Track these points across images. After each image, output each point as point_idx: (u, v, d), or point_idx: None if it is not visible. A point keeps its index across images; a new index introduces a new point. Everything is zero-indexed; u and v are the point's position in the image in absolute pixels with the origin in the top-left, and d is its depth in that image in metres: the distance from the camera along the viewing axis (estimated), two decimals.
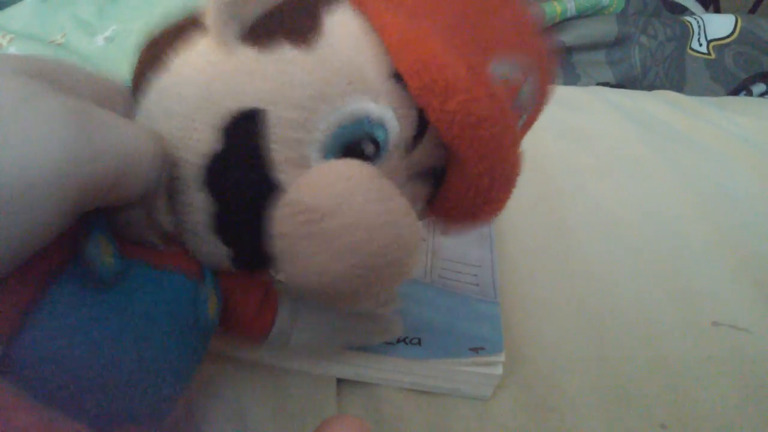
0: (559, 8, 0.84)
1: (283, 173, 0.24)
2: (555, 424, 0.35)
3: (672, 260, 0.47)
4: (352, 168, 0.24)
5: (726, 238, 0.50)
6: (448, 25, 0.26)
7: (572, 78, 0.84)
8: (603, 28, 0.85)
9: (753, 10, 2.00)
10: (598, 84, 0.84)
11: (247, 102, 0.24)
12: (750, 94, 0.87)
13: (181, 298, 0.26)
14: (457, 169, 0.27)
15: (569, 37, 0.85)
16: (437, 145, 0.27)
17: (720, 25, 0.91)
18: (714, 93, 0.85)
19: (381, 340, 0.36)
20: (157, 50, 0.26)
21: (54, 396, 0.22)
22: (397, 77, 0.25)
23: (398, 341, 0.36)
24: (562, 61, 0.85)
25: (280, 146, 0.24)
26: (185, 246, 0.26)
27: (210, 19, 0.24)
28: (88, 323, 0.23)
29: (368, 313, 0.35)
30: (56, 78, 0.22)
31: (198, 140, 0.24)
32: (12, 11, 0.76)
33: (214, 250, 0.26)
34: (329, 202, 0.23)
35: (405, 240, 0.24)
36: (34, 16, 0.74)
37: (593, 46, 0.86)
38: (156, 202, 0.24)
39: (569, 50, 0.85)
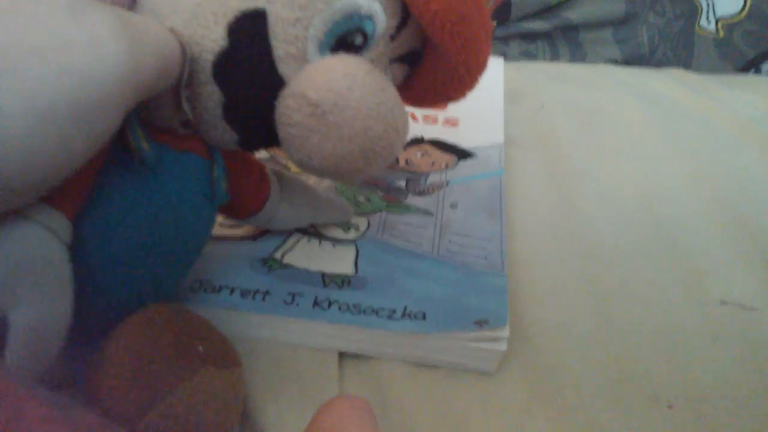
0: None
1: (284, 67, 0.28)
2: (559, 402, 0.35)
3: (680, 239, 0.47)
4: (350, 65, 0.27)
5: (735, 216, 0.50)
6: None
7: (579, 56, 0.84)
8: (610, 6, 0.84)
9: None
10: (606, 62, 0.83)
11: (249, 1, 0.27)
12: (759, 72, 0.86)
13: (201, 178, 0.31)
14: (434, 57, 0.31)
15: (576, 14, 0.84)
16: (417, 30, 0.31)
17: (729, 2, 0.90)
18: (722, 71, 0.84)
19: (339, 219, 0.43)
20: None
21: (109, 266, 0.27)
22: None
23: (403, 316, 0.36)
24: (569, 38, 0.84)
25: (281, 42, 0.27)
26: (197, 131, 0.30)
27: None
28: (135, 202, 0.27)
29: (331, 197, 0.43)
30: None
31: (204, 37, 0.27)
32: None
33: (223, 134, 0.30)
34: (332, 98, 0.26)
35: (397, 125, 0.28)
36: None
37: (600, 24, 0.85)
38: (181, 92, 0.27)
39: (576, 28, 0.84)
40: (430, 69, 0.32)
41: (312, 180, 0.44)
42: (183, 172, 0.29)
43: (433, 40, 0.29)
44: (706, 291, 0.42)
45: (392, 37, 0.30)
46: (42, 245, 0.23)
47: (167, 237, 0.29)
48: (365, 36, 0.29)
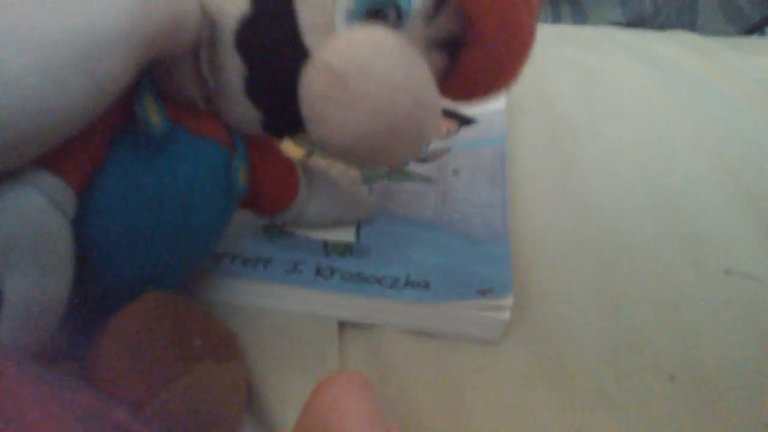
0: None
1: (310, 38, 0.26)
2: (562, 372, 0.35)
3: (684, 205, 0.47)
4: (376, 34, 0.25)
5: (739, 182, 0.49)
6: None
7: (581, 18, 0.83)
8: None
9: None
10: (609, 24, 0.82)
11: None
12: (763, 34, 0.85)
13: (217, 166, 0.29)
14: (474, 40, 0.28)
15: None
16: (456, 16, 0.28)
17: None
18: (726, 33, 0.83)
19: (365, 215, 0.40)
20: None
21: (116, 245, 0.26)
22: None
23: (405, 285, 0.36)
24: (571, 1, 0.83)
25: (307, 9, 0.26)
26: (220, 112, 0.29)
27: None
28: (141, 180, 0.26)
29: (355, 192, 0.41)
30: None
31: (228, 3, 0.26)
32: None
33: (246, 113, 0.28)
34: (355, 66, 0.24)
35: (426, 101, 0.26)
36: None
37: None
38: (201, 56, 0.26)
39: None
40: (469, 57, 0.29)
41: (335, 171, 0.42)
42: (197, 158, 0.28)
43: (472, 17, 0.27)
44: (710, 260, 0.42)
45: (429, 17, 0.28)
46: (41, 214, 0.22)
47: (173, 222, 0.28)
48: (399, 13, 0.27)
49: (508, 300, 0.35)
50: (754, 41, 0.77)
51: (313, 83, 0.25)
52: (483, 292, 0.35)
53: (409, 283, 0.36)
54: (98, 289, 0.27)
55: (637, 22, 0.83)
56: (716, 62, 0.65)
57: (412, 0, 0.27)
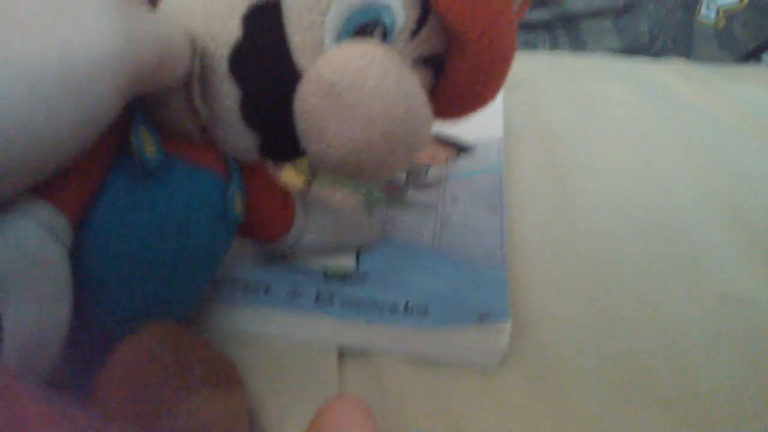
0: None
1: (302, 58, 0.27)
2: (560, 398, 0.35)
3: (680, 232, 0.47)
4: (366, 46, 0.26)
5: (735, 209, 0.50)
6: None
7: (579, 46, 0.84)
8: None
9: None
10: (606, 51, 0.83)
11: None
12: (759, 62, 0.86)
13: (213, 194, 0.29)
14: (457, 52, 0.30)
15: (577, 4, 0.84)
16: (440, 30, 0.29)
17: None
18: (722, 61, 0.84)
19: (366, 241, 0.41)
20: None
21: (110, 276, 0.26)
22: None
23: (405, 310, 0.36)
24: (569, 28, 0.84)
25: (296, 31, 0.26)
26: (216, 140, 0.29)
27: None
28: (137, 210, 0.26)
29: (357, 219, 0.41)
30: None
31: (219, 30, 0.26)
32: None
33: (242, 137, 0.29)
34: (348, 77, 0.25)
35: (417, 110, 0.26)
36: None
37: (601, 14, 0.85)
38: (193, 88, 0.26)
39: (577, 18, 0.84)
40: (454, 70, 0.31)
41: (336, 199, 0.42)
42: (193, 186, 0.28)
43: (452, 26, 0.28)
44: (706, 285, 0.42)
45: (413, 34, 0.29)
46: (39, 245, 0.22)
47: (171, 252, 0.28)
48: (384, 31, 0.28)
49: (506, 325, 0.35)
50: (748, 69, 0.77)
51: (307, 97, 0.26)
52: (481, 318, 0.36)
53: (408, 309, 0.36)
54: (98, 320, 0.27)
55: (633, 49, 0.84)
56: (710, 90, 0.66)
57: (396, 18, 0.28)
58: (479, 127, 0.53)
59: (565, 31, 0.84)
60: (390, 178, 0.46)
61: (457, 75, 0.31)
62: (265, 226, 0.35)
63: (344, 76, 0.25)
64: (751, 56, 0.86)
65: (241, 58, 0.26)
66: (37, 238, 0.22)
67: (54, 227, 0.23)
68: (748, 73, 0.74)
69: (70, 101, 0.20)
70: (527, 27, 0.83)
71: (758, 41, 0.86)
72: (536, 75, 0.67)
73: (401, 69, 0.26)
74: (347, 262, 0.39)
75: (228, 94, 0.27)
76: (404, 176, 0.48)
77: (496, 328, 0.35)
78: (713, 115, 0.62)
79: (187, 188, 0.28)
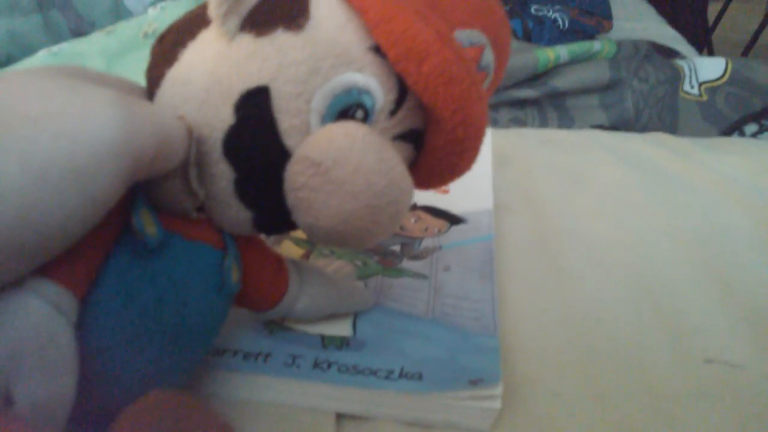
0: (552, 55, 0.86)
1: (289, 139, 0.29)
2: None
3: (664, 299, 0.48)
4: (349, 127, 0.28)
5: (717, 275, 0.51)
6: (416, 2, 0.30)
7: (567, 122, 0.86)
8: (596, 73, 0.87)
9: (745, 53, 2.04)
10: (593, 127, 0.85)
11: (252, 80, 0.28)
12: (742, 134, 0.88)
13: (211, 267, 0.31)
14: (434, 127, 0.32)
15: (563, 82, 0.86)
16: (417, 108, 0.32)
17: (711, 67, 0.93)
18: (707, 134, 0.86)
19: (359, 310, 0.43)
20: (166, 45, 0.30)
21: (112, 348, 0.27)
22: (377, 49, 0.30)
23: (400, 376, 0.37)
24: (557, 105, 0.87)
25: (284, 116, 0.28)
26: (212, 216, 0.31)
27: (213, 13, 0.28)
28: (139, 285, 0.28)
29: (351, 286, 0.43)
30: (88, 76, 0.27)
31: (214, 118, 0.28)
32: (23, 65, 0.78)
33: (237, 214, 0.31)
34: (333, 155, 0.27)
35: (398, 183, 0.28)
36: None
37: (587, 91, 0.88)
38: (189, 172, 0.28)
39: (564, 95, 0.87)
40: (432, 144, 0.33)
41: (331, 268, 0.44)
42: (191, 260, 0.30)
43: (429, 106, 0.30)
44: (691, 349, 0.43)
45: (392, 113, 0.31)
46: (47, 322, 0.23)
47: (171, 324, 0.29)
48: (365, 111, 0.30)
49: (498, 389, 0.36)
50: (730, 141, 0.80)
51: (296, 176, 0.28)
52: (474, 383, 0.37)
53: (403, 375, 0.37)
54: (100, 390, 0.27)
55: (620, 124, 0.87)
56: (693, 162, 0.68)
57: (376, 100, 0.30)
58: (470, 200, 0.56)
59: (553, 107, 0.87)
60: (378, 245, 0.48)
61: (435, 148, 0.33)
62: (260, 293, 0.36)
63: (329, 155, 0.27)
64: (735, 129, 0.88)
65: (235, 142, 0.28)
66: (45, 315, 0.23)
67: (61, 304, 0.24)
68: (729, 145, 0.76)
69: (76, 188, 0.21)
70: (517, 104, 0.86)
71: (741, 114, 0.88)
72: (525, 150, 0.70)
73: (381, 146, 0.28)
74: (344, 331, 0.41)
75: (223, 175, 0.29)
76: (399, 247, 0.50)
77: (488, 393, 0.36)
78: (696, 186, 0.64)
79: (186, 262, 0.29)
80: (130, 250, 0.27)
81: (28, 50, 0.81)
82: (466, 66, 0.30)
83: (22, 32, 0.82)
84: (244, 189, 0.30)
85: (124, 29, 0.80)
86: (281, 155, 0.29)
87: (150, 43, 0.31)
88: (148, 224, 0.27)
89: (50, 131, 0.21)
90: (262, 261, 0.36)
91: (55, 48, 0.79)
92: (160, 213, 0.29)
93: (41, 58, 0.78)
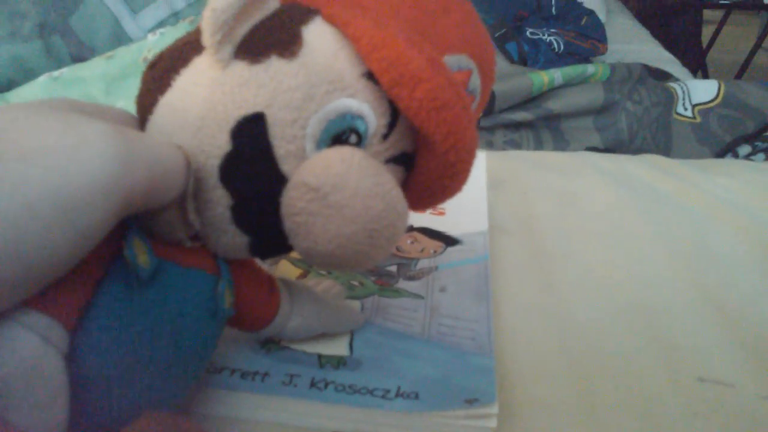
0: (546, 78, 0.87)
1: (285, 165, 0.29)
2: None
3: (657, 318, 0.49)
4: (344, 152, 0.28)
5: (709, 296, 0.52)
6: (406, 28, 0.31)
7: (562, 144, 0.87)
8: (590, 96, 0.88)
9: (739, 75, 2.06)
10: (587, 149, 0.86)
11: (247, 108, 0.28)
12: (736, 155, 0.89)
13: (205, 293, 0.31)
14: (426, 151, 0.32)
15: (558, 104, 0.87)
16: (408, 131, 0.32)
17: (704, 90, 0.94)
18: (700, 155, 0.87)
19: (349, 329, 0.43)
20: (157, 71, 0.30)
21: (105, 377, 0.26)
22: (370, 75, 0.30)
23: (396, 395, 0.37)
24: (552, 127, 0.88)
25: (280, 142, 0.29)
26: (206, 241, 0.31)
27: (206, 40, 0.28)
28: (132, 317, 0.27)
29: (341, 305, 0.43)
30: (84, 109, 0.27)
31: (210, 145, 0.28)
32: (24, 89, 0.79)
33: (233, 240, 0.31)
34: (330, 181, 0.27)
35: (395, 206, 0.29)
36: (46, 94, 0.77)
37: (581, 113, 0.88)
38: (187, 204, 0.28)
39: (558, 117, 0.88)
40: (423, 167, 0.34)
41: (321, 287, 0.44)
42: (185, 288, 0.30)
43: (421, 130, 0.30)
44: (684, 369, 0.44)
45: (384, 137, 0.32)
46: (35, 353, 0.23)
47: (166, 352, 0.29)
48: (359, 136, 0.31)
49: (493, 408, 0.37)
50: (724, 163, 0.80)
51: (294, 201, 0.28)
52: (470, 402, 0.37)
53: (399, 394, 0.38)
54: (93, 418, 0.27)
55: (614, 146, 0.88)
56: (686, 183, 0.69)
57: (369, 125, 0.31)
58: (466, 221, 0.56)
59: (548, 130, 0.88)
60: (374, 267, 0.49)
61: (427, 170, 0.34)
62: (252, 315, 0.37)
63: (327, 181, 0.28)
64: (728, 150, 0.89)
65: (231, 168, 0.29)
66: (34, 347, 0.23)
67: (50, 335, 0.23)
68: (722, 166, 0.76)
69: (65, 222, 0.22)
70: (512, 127, 0.87)
71: (734, 135, 0.89)
72: (520, 172, 0.70)
73: (377, 170, 0.29)
74: (341, 350, 0.41)
75: (219, 201, 0.29)
76: (395, 268, 0.50)
77: (483, 412, 0.37)
78: (689, 208, 0.65)
79: (180, 290, 0.29)
80: (123, 279, 0.27)
81: (30, 75, 0.82)
82: (457, 91, 0.30)
83: (24, 57, 0.83)
84: (241, 215, 0.30)
85: (125, 54, 0.81)
86: (278, 181, 0.29)
87: None
88: (140, 254, 0.27)
89: (42, 165, 0.21)
90: (255, 283, 0.36)
91: (56, 73, 0.80)
92: (154, 240, 0.29)
93: (42, 82, 0.79)
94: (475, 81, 0.36)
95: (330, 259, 0.29)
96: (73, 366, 0.25)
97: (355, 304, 0.46)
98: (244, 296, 0.35)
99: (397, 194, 0.29)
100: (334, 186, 0.27)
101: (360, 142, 0.31)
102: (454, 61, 0.34)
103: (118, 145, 0.23)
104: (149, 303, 0.28)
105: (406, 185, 0.35)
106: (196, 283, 0.30)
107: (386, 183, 0.29)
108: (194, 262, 0.31)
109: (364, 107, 0.30)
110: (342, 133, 0.30)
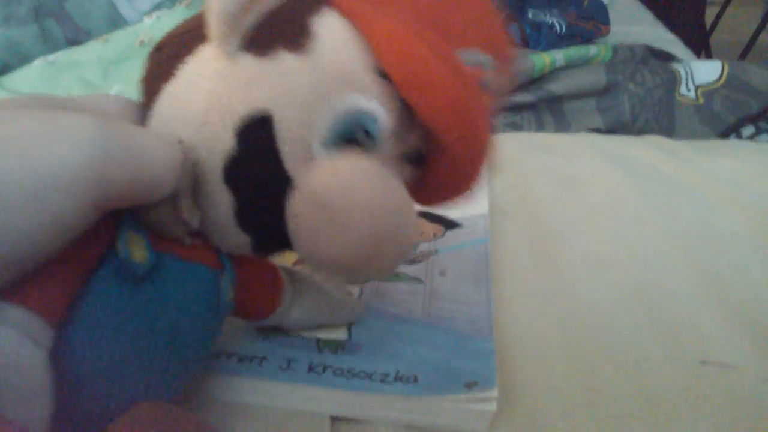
0: (548, 59, 0.86)
1: (292, 166, 0.28)
2: None
3: (660, 301, 0.48)
4: (353, 161, 0.28)
5: (712, 278, 0.51)
6: (419, 23, 0.30)
7: (563, 126, 0.86)
8: (592, 77, 0.87)
9: (743, 56, 2.04)
10: (589, 131, 0.85)
11: (254, 105, 0.27)
12: (739, 136, 0.88)
13: (206, 287, 0.30)
14: (438, 149, 0.31)
15: (559, 86, 0.87)
16: (419, 129, 0.31)
17: (707, 71, 0.93)
18: (704, 136, 0.86)
19: (349, 320, 0.42)
20: (162, 59, 0.29)
21: (100, 372, 0.26)
22: (381, 73, 0.29)
23: (395, 379, 0.37)
24: (553, 109, 0.87)
25: (287, 143, 0.27)
26: (209, 238, 0.30)
27: (212, 31, 0.26)
28: (127, 315, 0.26)
29: (341, 297, 0.42)
30: (63, 105, 0.26)
31: (213, 140, 0.27)
32: (19, 73, 0.79)
33: (236, 238, 0.30)
34: (339, 191, 0.27)
35: (404, 214, 0.28)
36: (41, 78, 0.77)
37: (583, 95, 0.88)
38: (181, 201, 0.27)
39: (560, 99, 0.87)
40: (436, 168, 0.33)
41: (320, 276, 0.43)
42: (186, 283, 0.29)
43: (433, 129, 0.29)
44: (687, 351, 0.43)
45: (395, 135, 0.30)
46: (13, 348, 0.22)
47: (164, 348, 0.28)
48: (369, 134, 0.29)
49: (493, 392, 0.36)
50: (725, 144, 0.80)
51: (300, 208, 0.27)
52: (469, 386, 0.37)
53: (398, 378, 0.37)
54: (87, 412, 0.26)
55: (616, 127, 0.87)
56: (689, 165, 0.68)
57: (379, 123, 0.29)
58: (466, 204, 0.56)
59: (549, 112, 0.87)
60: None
61: (438, 169, 0.32)
62: (255, 306, 0.36)
63: (334, 188, 0.27)
64: (732, 131, 0.89)
65: (236, 167, 0.27)
66: (12, 343, 0.22)
67: (31, 330, 0.23)
68: (725, 147, 0.76)
69: (31, 209, 0.21)
70: (513, 109, 0.86)
71: (738, 116, 0.88)
72: (520, 154, 0.70)
73: (385, 177, 0.28)
74: (339, 334, 0.41)
75: (222, 200, 0.28)
76: None
77: (484, 396, 0.36)
78: (692, 189, 0.64)
79: (180, 285, 0.29)
80: (117, 273, 0.26)
81: (25, 59, 0.82)
82: (470, 89, 0.29)
83: (19, 41, 0.82)
84: (245, 215, 0.29)
85: (120, 38, 0.81)
86: (284, 182, 0.28)
87: (146, 51, 0.30)
88: (136, 249, 0.26)
89: (11, 153, 0.21)
90: (258, 275, 0.36)
91: (51, 57, 0.79)
92: (152, 234, 0.28)
93: (37, 66, 0.78)
94: (490, 77, 0.34)
95: (336, 267, 0.29)
96: (65, 360, 0.24)
97: (355, 293, 0.45)
98: (247, 289, 0.34)
99: (406, 202, 0.29)
100: (342, 195, 0.27)
101: (370, 141, 0.30)
102: (468, 56, 0.32)
103: (93, 133, 0.23)
104: (147, 298, 0.27)
105: (418, 182, 0.34)
106: (197, 278, 0.30)
107: (395, 190, 0.28)
108: (196, 256, 0.30)
109: (375, 105, 0.29)
110: (351, 132, 0.29)
